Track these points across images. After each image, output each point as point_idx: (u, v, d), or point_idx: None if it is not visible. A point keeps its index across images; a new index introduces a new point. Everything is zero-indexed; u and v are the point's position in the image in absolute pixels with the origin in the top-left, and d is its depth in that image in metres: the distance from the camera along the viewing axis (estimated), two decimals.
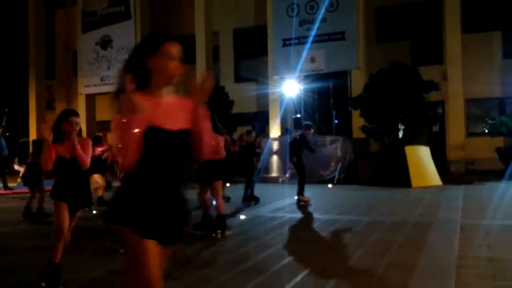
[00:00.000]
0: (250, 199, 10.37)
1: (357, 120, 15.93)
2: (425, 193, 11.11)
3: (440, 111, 17.29)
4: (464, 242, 5.92)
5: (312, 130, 10.39)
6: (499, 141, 15.85)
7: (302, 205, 9.64)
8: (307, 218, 8.18)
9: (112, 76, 23.24)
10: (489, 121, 16.23)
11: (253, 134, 11.66)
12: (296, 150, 10.02)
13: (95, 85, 23.67)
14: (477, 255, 5.27)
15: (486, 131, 16.47)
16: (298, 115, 18.97)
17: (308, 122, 11.12)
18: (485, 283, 4.29)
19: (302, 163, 10.00)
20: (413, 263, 5.02)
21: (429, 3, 18.67)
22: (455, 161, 16.97)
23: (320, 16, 18.04)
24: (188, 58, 21.52)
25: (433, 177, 13.30)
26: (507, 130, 15.19)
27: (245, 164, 10.84)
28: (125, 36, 22.82)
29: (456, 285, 4.22)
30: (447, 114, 17.83)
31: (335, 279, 4.50)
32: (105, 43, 23.41)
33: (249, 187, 10.51)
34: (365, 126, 15.30)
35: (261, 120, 20.08)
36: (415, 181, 12.60)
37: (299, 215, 8.68)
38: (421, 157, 13.50)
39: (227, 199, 10.33)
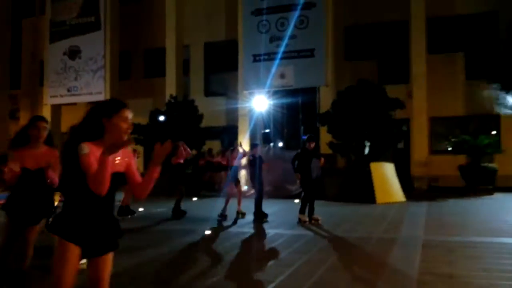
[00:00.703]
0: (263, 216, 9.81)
1: (325, 136, 16.13)
2: (389, 209, 11.29)
3: (405, 128, 17.71)
4: (426, 258, 6.03)
5: (313, 143, 9.54)
6: (461, 159, 16.30)
7: (298, 223, 9.25)
8: (273, 233, 8.18)
9: (80, 87, 22.92)
10: (452, 139, 16.71)
11: (260, 148, 10.79)
12: (301, 165, 9.28)
13: (61, 96, 23.27)
14: (438, 272, 5.37)
15: (449, 148, 16.93)
16: (267, 130, 19.09)
17: (310, 134, 10.24)
18: None
19: (309, 180, 9.31)
20: (375, 279, 5.08)
21: (396, 23, 19.20)
22: (419, 177, 17.35)
23: (290, 33, 18.31)
24: (159, 71, 21.61)
25: (397, 193, 13.54)
26: (469, 148, 15.65)
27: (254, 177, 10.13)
28: (94, 46, 22.57)
29: None
30: (412, 131, 18.26)
31: None
32: (74, 53, 23.07)
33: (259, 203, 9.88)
34: (332, 142, 15.52)
35: (230, 135, 20.10)
36: (379, 197, 12.80)
37: (265, 230, 8.67)
38: (386, 174, 13.74)
39: (242, 214, 10.15)
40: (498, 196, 14.19)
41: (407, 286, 4.77)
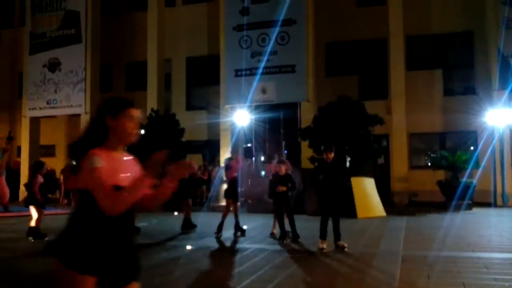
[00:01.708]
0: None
1: (306, 151, 16.23)
2: (369, 224, 11.37)
3: (384, 144, 17.94)
4: (405, 272, 6.07)
5: (332, 153, 8.03)
6: (440, 174, 16.56)
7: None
8: (254, 249, 8.15)
9: (59, 100, 22.67)
10: (431, 155, 16.96)
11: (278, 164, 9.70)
12: (319, 180, 8.08)
13: (40, 108, 22.97)
14: (417, 286, 5.42)
15: (429, 164, 17.18)
16: (249, 145, 19.10)
17: (327, 143, 8.60)
18: None
19: (327, 197, 7.95)
20: None
21: (376, 41, 19.55)
22: (399, 192, 17.54)
23: (271, 48, 18.48)
24: (140, 84, 21.52)
25: (377, 208, 13.66)
26: (448, 163, 15.91)
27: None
28: (75, 59, 22.41)
29: None
30: (391, 147, 18.50)
31: None
32: (53, 65, 22.86)
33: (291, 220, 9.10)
34: (313, 157, 15.60)
35: (211, 149, 20.07)
36: (360, 212, 12.89)
37: (250, 245, 8.63)
38: (366, 189, 13.86)
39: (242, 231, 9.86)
40: (476, 211, 14.41)
41: None
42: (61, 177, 19.60)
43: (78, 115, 22.65)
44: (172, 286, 5.59)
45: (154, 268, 6.70)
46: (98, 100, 22.42)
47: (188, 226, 10.39)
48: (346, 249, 7.61)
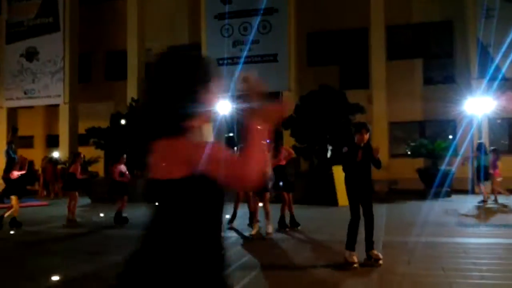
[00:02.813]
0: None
1: (288, 140, 16.25)
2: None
3: None
4: (386, 258, 6.15)
5: (366, 134, 6.43)
6: (419, 162, 16.75)
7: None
8: (237, 237, 8.16)
9: (37, 90, 22.26)
10: (411, 143, 17.14)
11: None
12: (347, 169, 6.57)
13: (18, 98, 22.55)
14: (399, 271, 5.50)
15: (408, 152, 17.37)
16: (231, 134, 19.04)
17: (360, 122, 8.38)
18: None
19: (358, 192, 6.39)
20: (336, 281, 5.15)
21: (357, 31, 19.61)
22: (379, 180, 17.67)
23: (253, 37, 18.40)
24: (120, 74, 21.14)
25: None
26: (427, 152, 16.11)
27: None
28: (53, 48, 21.99)
29: None
30: (372, 136, 18.56)
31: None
32: (31, 55, 22.41)
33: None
34: (295, 146, 15.64)
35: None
36: (341, 200, 12.97)
37: (231, 234, 8.64)
38: None
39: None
40: (454, 198, 14.66)
41: (369, 285, 4.86)
42: (40, 169, 19.34)
43: (57, 105, 22.30)
44: None
45: None
46: (77, 89, 22.12)
47: (119, 220, 10.25)
48: (380, 262, 5.85)
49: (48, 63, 22.15)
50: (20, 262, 6.57)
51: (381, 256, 5.96)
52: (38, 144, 24.38)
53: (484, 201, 13.08)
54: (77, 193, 10.35)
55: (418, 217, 9.92)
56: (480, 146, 14.01)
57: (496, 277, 5.14)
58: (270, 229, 8.19)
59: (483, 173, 13.41)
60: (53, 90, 21.96)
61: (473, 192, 16.43)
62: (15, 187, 9.93)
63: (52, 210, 13.39)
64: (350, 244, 5.93)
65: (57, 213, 12.38)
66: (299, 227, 8.96)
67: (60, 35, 21.97)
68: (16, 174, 9.92)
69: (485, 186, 13.47)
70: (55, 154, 21.50)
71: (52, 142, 23.47)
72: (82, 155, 10.56)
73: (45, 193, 18.65)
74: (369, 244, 6.09)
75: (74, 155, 10.61)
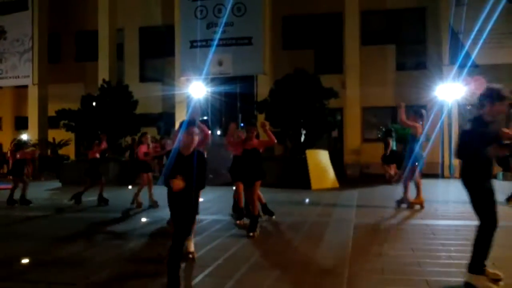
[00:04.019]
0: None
1: None
2: (323, 195, 11.60)
3: (339, 117, 18.20)
4: (357, 240, 6.26)
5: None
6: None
7: None
8: (211, 220, 8.15)
9: (4, 70, 21.62)
10: (382, 128, 17.36)
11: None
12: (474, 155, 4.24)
13: None
14: (368, 252, 5.59)
15: (380, 137, 17.61)
16: (205, 117, 18.92)
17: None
18: (374, 277, 4.56)
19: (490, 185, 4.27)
20: (309, 261, 5.21)
21: (332, 15, 19.65)
22: (352, 164, 17.95)
23: (227, 20, 18.20)
24: (91, 54, 20.68)
25: (331, 179, 13.95)
26: (398, 136, 16.35)
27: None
28: (21, 27, 21.33)
29: (348, 280, 4.44)
30: (345, 120, 18.81)
31: (233, 280, 4.53)
32: None
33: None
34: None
35: (167, 122, 19.74)
36: (314, 183, 13.13)
37: (206, 216, 8.62)
38: (320, 161, 14.09)
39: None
40: (425, 182, 14.86)
41: (340, 265, 4.93)
42: (9, 152, 18.83)
43: (26, 87, 21.70)
44: (126, 258, 5.52)
45: (110, 239, 6.61)
46: (46, 70, 21.56)
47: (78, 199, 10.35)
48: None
49: (16, 42, 21.48)
50: None
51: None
52: (6, 126, 23.74)
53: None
54: (148, 175, 10.06)
55: (389, 200, 10.09)
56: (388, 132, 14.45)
57: (463, 257, 5.26)
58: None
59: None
60: (21, 71, 21.36)
61: (442, 176, 16.84)
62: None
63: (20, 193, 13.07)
64: (477, 265, 4.14)
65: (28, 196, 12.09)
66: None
67: (29, 14, 21.31)
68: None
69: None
70: (24, 137, 20.97)
71: (21, 124, 22.88)
72: (148, 136, 10.50)
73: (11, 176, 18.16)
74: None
75: (141, 134, 10.62)
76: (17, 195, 10.71)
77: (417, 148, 9.02)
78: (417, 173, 9.12)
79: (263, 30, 18.44)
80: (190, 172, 4.01)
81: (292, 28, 20.19)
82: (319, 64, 19.21)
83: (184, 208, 4.11)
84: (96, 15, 20.82)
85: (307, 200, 10.01)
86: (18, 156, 10.82)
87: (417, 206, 9.09)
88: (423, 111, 9.40)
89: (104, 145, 10.93)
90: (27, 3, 21.29)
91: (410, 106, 18.58)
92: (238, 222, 7.53)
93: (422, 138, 9.21)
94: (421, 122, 9.23)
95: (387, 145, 14.72)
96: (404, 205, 9.21)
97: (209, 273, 4.74)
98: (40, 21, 21.34)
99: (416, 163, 9.01)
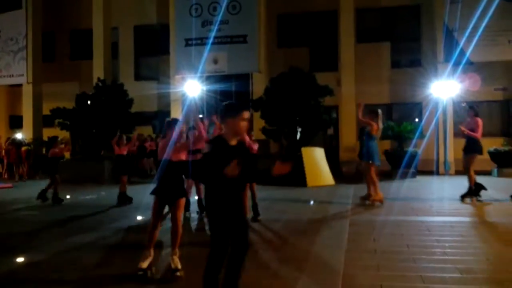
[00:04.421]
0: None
1: (258, 122, 16.25)
2: (319, 192, 11.62)
3: (334, 115, 18.23)
4: (352, 236, 6.27)
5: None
6: (387, 144, 17.05)
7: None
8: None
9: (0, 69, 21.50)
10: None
11: None
12: None
13: None
14: (364, 248, 5.61)
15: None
16: (201, 116, 18.88)
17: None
18: (370, 273, 4.57)
19: None
20: (305, 258, 5.22)
21: (326, 13, 19.63)
22: (347, 162, 17.95)
23: (222, 17, 18.16)
24: (85, 53, 20.56)
25: (326, 177, 13.95)
26: (394, 134, 16.40)
27: None
28: (15, 26, 21.22)
29: (343, 277, 4.45)
30: (340, 118, 18.83)
31: None
32: None
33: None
34: (265, 128, 15.67)
35: (162, 120, 19.67)
36: (310, 181, 13.14)
37: (200, 215, 8.62)
38: (316, 158, 14.10)
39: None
40: (420, 179, 15.01)
41: (335, 262, 4.94)
42: (3, 151, 18.76)
43: (20, 85, 21.60)
44: (130, 254, 5.50)
45: (107, 237, 6.59)
46: (40, 69, 21.46)
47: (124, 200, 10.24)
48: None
49: (10, 41, 21.37)
50: None
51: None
52: (0, 125, 23.62)
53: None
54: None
55: (385, 197, 10.11)
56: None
57: (457, 253, 5.30)
58: None
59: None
60: (15, 70, 21.25)
61: (438, 173, 16.90)
62: None
63: (17, 193, 13.05)
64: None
65: (21, 195, 12.08)
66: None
67: (23, 12, 21.18)
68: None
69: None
70: (19, 136, 20.89)
71: (15, 123, 22.78)
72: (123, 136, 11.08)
73: (6, 175, 18.12)
74: None
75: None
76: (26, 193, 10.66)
77: (373, 145, 9.25)
78: (373, 170, 9.28)
79: (258, 28, 18.42)
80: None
81: (287, 26, 20.18)
82: (314, 62, 19.20)
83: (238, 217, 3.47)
84: (91, 13, 20.73)
85: (311, 202, 9.95)
86: (50, 154, 10.86)
87: (378, 203, 9.18)
88: (379, 111, 9.54)
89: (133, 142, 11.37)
90: (21, 1, 21.16)
91: (405, 104, 18.83)
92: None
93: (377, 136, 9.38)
94: (377, 121, 9.32)
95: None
96: (367, 202, 9.37)
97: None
98: (34, 20, 21.23)
99: (371, 161, 9.23)
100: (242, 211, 3.69)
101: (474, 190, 9.33)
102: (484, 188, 9.40)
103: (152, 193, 4.77)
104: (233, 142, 3.46)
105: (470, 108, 9.77)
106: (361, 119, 9.40)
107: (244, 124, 3.45)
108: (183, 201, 4.81)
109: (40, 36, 21.59)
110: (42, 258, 5.40)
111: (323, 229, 6.94)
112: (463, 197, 9.46)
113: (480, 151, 9.37)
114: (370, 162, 9.22)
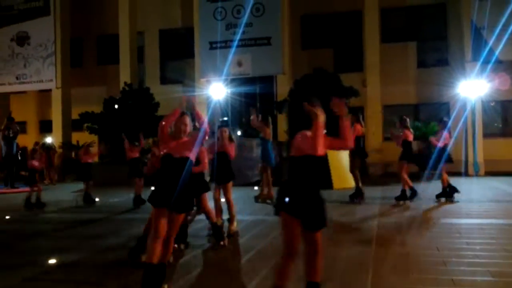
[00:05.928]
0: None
1: (282, 124, 16.26)
2: (345, 194, 11.52)
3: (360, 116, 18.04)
4: (381, 238, 6.22)
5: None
6: (413, 145, 16.80)
7: None
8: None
9: (29, 75, 22.06)
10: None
11: None
12: None
13: (10, 84, 22.33)
14: (395, 251, 5.56)
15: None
16: (225, 118, 18.99)
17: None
18: (399, 276, 4.53)
19: None
20: (333, 260, 5.20)
21: (351, 13, 19.52)
22: (374, 163, 17.79)
23: (246, 20, 18.25)
24: (112, 58, 20.89)
25: (352, 179, 13.82)
26: (421, 134, 16.18)
27: None
28: (44, 32, 21.75)
29: (372, 279, 4.43)
30: (366, 119, 18.65)
31: (257, 278, 4.55)
32: (22, 39, 22.14)
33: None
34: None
35: None
36: (336, 183, 13.07)
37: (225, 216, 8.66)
38: (341, 160, 14.00)
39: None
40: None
41: (365, 265, 4.91)
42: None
43: (49, 90, 22.12)
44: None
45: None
46: (69, 74, 21.93)
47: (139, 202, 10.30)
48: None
49: (39, 47, 21.91)
50: (20, 246, 6.58)
51: None
52: (31, 130, 24.22)
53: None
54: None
55: (412, 199, 10.00)
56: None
57: (488, 256, 5.21)
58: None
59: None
60: (45, 75, 21.78)
61: (466, 174, 16.59)
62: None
63: (47, 195, 13.35)
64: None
65: (51, 198, 12.37)
66: None
67: (51, 19, 21.71)
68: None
69: None
70: (48, 140, 21.39)
71: (45, 127, 23.33)
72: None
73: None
74: None
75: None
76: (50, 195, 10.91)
77: (268, 148, 10.22)
78: (269, 170, 10.19)
79: (282, 30, 18.44)
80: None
81: (311, 27, 20.14)
82: (339, 63, 19.11)
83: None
84: (117, 19, 21.11)
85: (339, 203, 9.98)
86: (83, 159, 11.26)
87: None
88: (269, 117, 10.46)
89: (142, 144, 11.46)
90: (49, 8, 21.70)
91: (432, 104, 18.54)
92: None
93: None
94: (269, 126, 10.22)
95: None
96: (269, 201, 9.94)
97: (204, 269, 4.76)
98: (62, 26, 21.73)
99: (265, 162, 10.17)
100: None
101: (448, 192, 9.84)
102: (457, 191, 9.88)
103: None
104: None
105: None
106: (254, 124, 10.13)
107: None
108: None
109: (68, 42, 22.09)
110: (77, 259, 5.53)
111: (351, 231, 6.90)
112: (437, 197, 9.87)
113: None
114: (265, 163, 10.11)
